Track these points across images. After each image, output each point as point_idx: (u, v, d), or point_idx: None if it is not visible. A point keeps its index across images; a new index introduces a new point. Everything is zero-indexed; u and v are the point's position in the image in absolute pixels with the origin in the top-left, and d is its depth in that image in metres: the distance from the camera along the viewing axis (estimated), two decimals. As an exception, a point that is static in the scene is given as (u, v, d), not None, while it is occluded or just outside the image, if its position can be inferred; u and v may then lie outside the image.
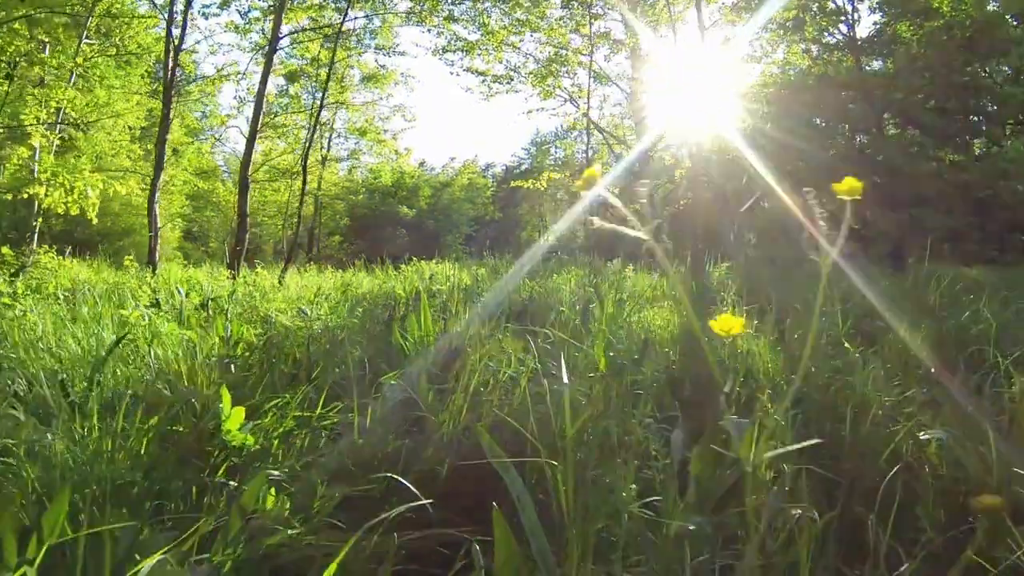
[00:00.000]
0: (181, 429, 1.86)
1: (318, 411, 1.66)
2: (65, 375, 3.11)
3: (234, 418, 1.60)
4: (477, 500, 1.37)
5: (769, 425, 2.01)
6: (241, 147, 21.15)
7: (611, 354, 2.61)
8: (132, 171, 16.27)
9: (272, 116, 18.09)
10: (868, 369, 2.56)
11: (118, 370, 3.13)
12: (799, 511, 1.57)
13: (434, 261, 10.14)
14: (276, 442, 1.65)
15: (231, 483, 1.54)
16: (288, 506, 1.35)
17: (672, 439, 1.98)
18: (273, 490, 1.38)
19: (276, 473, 1.53)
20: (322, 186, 22.89)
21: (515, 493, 1.07)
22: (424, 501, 1.21)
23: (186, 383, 2.20)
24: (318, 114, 10.71)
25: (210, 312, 5.31)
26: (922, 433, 2.02)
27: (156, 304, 3.94)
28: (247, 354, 3.82)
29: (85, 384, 2.78)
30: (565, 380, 1.10)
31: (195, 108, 24.36)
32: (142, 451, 1.82)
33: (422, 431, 1.62)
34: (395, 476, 1.25)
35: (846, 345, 2.56)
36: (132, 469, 1.74)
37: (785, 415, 1.93)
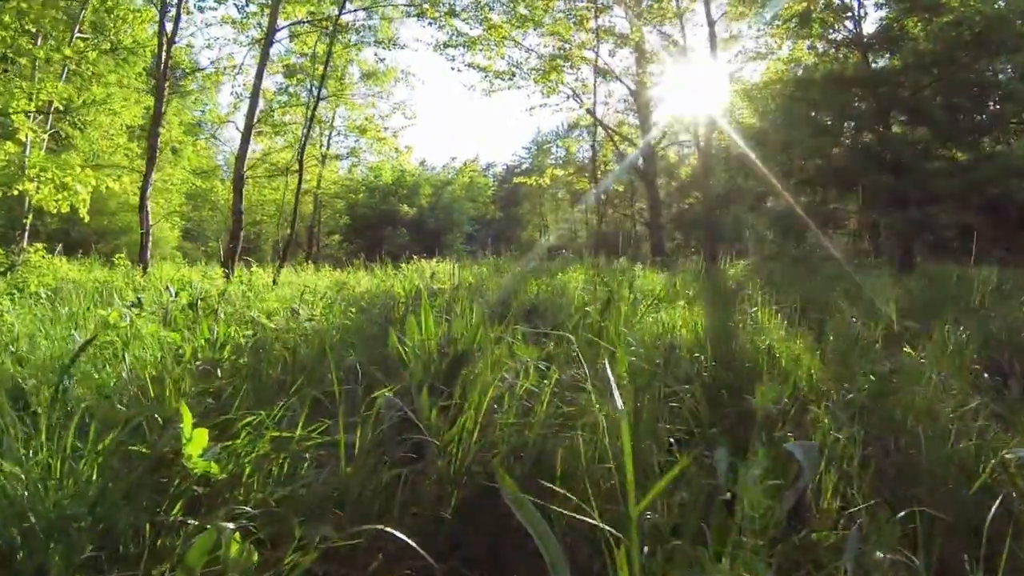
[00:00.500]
0: (144, 450, 1.58)
1: (299, 431, 1.39)
2: (32, 382, 2.84)
3: (196, 441, 1.32)
4: (490, 549, 1.09)
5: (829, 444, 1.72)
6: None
7: (633, 359, 2.33)
8: (129, 169, 16.01)
9: (270, 113, 17.87)
10: (925, 376, 2.28)
11: (95, 375, 2.86)
12: (886, 555, 1.28)
13: (435, 260, 9.85)
14: (248, 469, 1.37)
15: (190, 521, 1.26)
16: (256, 558, 1.07)
17: (716, 461, 1.70)
18: (238, 535, 1.10)
19: (245, 510, 1.25)
20: (321, 184, 22.61)
21: (550, 560, 0.80)
22: (428, 559, 0.93)
23: (152, 393, 1.92)
24: (315, 107, 10.41)
25: (199, 312, 5.05)
26: (1007, 452, 1.74)
27: (138, 304, 3.66)
28: (234, 357, 3.56)
29: (51, 392, 2.52)
30: (619, 404, 0.82)
31: (194, 107, 24.15)
32: (93, 477, 1.55)
33: (423, 457, 1.34)
34: (388, 529, 0.98)
35: (907, 349, 2.27)
36: (77, 500, 1.46)
37: (850, 434, 1.65)
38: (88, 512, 1.39)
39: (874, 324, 3.37)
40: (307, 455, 1.46)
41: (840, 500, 1.58)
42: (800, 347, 2.59)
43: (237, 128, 11.48)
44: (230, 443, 1.45)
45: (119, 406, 1.57)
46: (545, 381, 1.43)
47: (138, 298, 3.73)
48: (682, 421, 1.89)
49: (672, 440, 1.70)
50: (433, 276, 5.58)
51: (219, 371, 3.30)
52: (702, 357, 2.42)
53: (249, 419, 1.49)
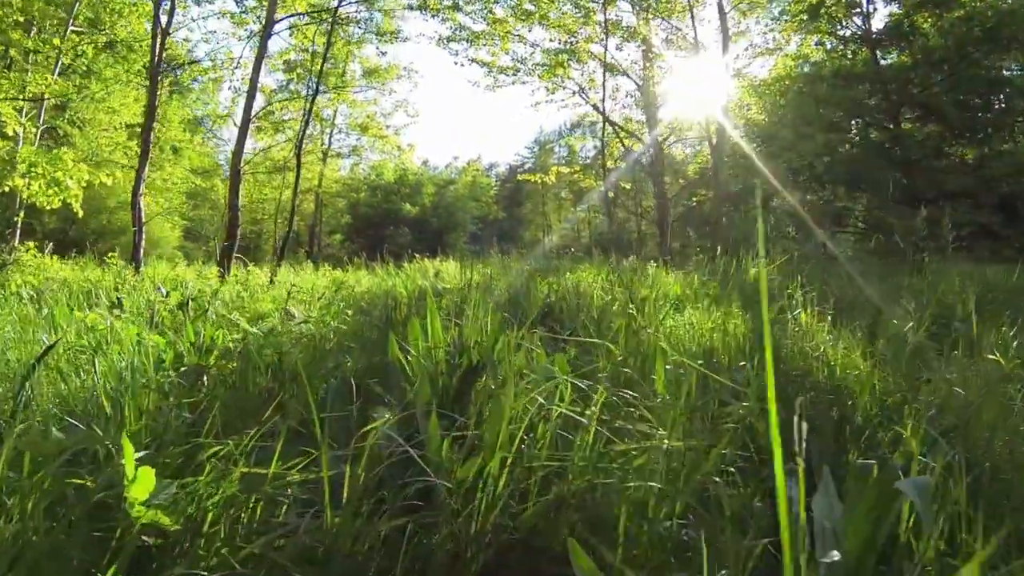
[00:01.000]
0: (91, 483, 1.29)
1: (272, 468, 1.10)
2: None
3: (141, 483, 1.03)
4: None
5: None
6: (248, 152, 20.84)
7: (668, 368, 2.04)
8: (127, 166, 15.77)
9: (271, 111, 17.65)
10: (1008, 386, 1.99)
11: (62, 386, 2.58)
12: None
13: (438, 259, 9.56)
14: (211, 515, 1.08)
15: (130, 590, 0.97)
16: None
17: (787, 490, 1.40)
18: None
19: None
20: (323, 183, 22.33)
21: None
22: None
23: (108, 412, 1.64)
24: (313, 99, 10.12)
25: (189, 314, 4.78)
26: None
27: (118, 304, 3.37)
28: (223, 362, 3.27)
29: (11, 406, 2.24)
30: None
31: (195, 105, 23.91)
32: (27, 524, 1.26)
33: (432, 506, 1.05)
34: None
35: (996, 358, 1.98)
36: (-1, 553, 1.18)
37: (950, 463, 1.35)
38: (7, 572, 1.10)
39: (918, 326, 3.08)
40: (288, 494, 1.16)
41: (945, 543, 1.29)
42: (856, 354, 2.29)
43: (235, 123, 11.24)
44: (192, 480, 1.16)
45: (55, 432, 1.28)
46: (591, 409, 1.12)
47: (118, 298, 3.44)
48: (735, 440, 1.59)
49: (731, 469, 1.41)
50: (438, 275, 5.28)
51: (205, 378, 3.03)
52: (747, 365, 2.12)
53: (217, 449, 1.19)
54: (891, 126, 19.35)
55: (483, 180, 35.45)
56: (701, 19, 14.93)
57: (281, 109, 16.33)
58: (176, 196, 23.81)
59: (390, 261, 7.39)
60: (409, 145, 23.36)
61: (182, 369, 3.09)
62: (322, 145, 22.08)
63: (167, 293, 5.49)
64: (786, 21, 17.26)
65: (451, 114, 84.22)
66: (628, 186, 18.06)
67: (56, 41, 8.20)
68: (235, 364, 3.16)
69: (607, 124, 14.61)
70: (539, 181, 16.40)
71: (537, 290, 3.67)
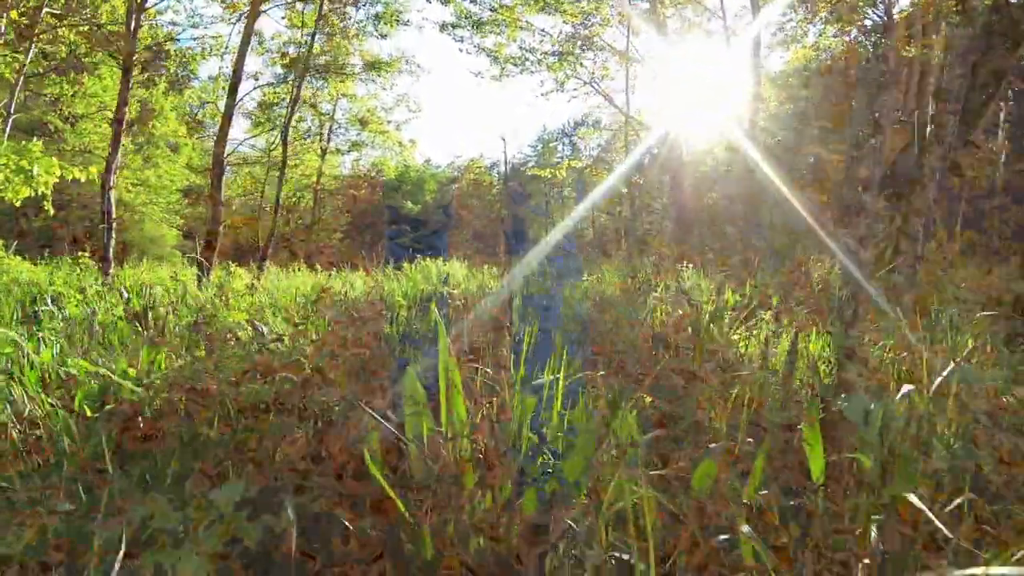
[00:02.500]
0: None
1: None
2: None
3: None
4: None
5: None
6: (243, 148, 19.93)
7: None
8: (122, 165, 15.06)
9: (269, 105, 16.97)
10: None
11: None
12: None
13: (441, 260, 8.83)
14: None
15: None
16: None
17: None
18: None
19: None
20: (321, 180, 21.56)
21: None
22: None
23: None
24: (302, 78, 9.32)
25: (151, 325, 4.01)
26: None
27: (34, 319, 2.61)
28: (166, 395, 2.54)
29: None
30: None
31: (192, 101, 23.08)
32: None
33: None
34: None
35: None
36: None
37: None
38: None
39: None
40: None
41: None
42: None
43: (217, 108, 10.49)
44: None
45: None
46: None
47: (35, 311, 2.68)
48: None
49: None
50: (448, 280, 4.50)
51: (140, 421, 2.27)
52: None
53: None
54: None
55: (486, 178, 34.71)
56: (722, 11, 14.11)
57: (275, 100, 15.61)
58: (173, 194, 23.05)
59: (389, 261, 6.62)
60: (411, 141, 22.61)
61: (108, 408, 2.32)
62: (321, 141, 21.30)
63: (128, 299, 4.75)
64: (802, 16, 16.42)
65: (454, 113, 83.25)
66: (641, 181, 17.26)
67: (14, 15, 7.42)
68: (181, 399, 2.40)
69: (626, 118, 13.73)
70: (550, 175, 15.62)
71: (573, 300, 2.90)
